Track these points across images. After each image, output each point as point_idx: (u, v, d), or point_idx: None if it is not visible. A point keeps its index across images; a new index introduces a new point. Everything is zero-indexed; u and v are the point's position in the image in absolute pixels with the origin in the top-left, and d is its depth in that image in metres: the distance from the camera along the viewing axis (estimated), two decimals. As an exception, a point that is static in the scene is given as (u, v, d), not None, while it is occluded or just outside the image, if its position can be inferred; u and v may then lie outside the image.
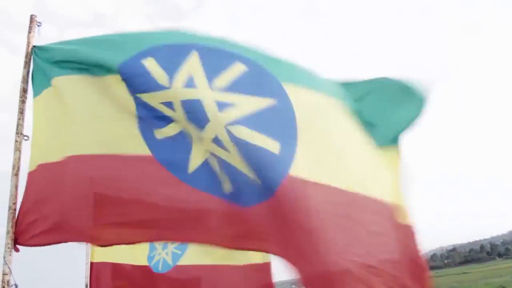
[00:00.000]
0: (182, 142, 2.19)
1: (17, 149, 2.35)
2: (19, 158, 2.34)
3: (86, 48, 2.38)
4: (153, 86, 2.17)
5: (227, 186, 2.14)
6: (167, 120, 2.21)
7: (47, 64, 2.42)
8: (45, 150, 2.39)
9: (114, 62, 2.24)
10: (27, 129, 2.42)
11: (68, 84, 2.36)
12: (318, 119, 2.33)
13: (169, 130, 2.21)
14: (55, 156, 2.35)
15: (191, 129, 2.17)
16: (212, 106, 2.11)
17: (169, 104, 2.17)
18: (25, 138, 2.38)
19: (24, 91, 2.44)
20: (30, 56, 2.46)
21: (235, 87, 2.18)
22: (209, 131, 2.12)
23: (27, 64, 2.47)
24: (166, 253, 4.55)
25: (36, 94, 2.46)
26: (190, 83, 2.16)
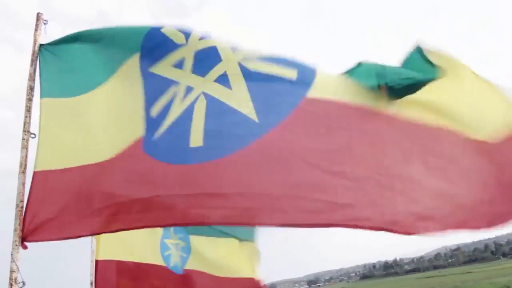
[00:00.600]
0: (164, 110, 2.18)
1: (24, 147, 2.35)
2: (26, 156, 2.35)
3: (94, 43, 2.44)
4: (170, 47, 2.24)
5: (196, 139, 2.05)
6: (166, 86, 2.23)
7: (56, 72, 2.48)
8: (55, 155, 2.42)
9: (137, 39, 2.32)
10: (34, 127, 2.44)
11: (76, 105, 2.45)
12: None
13: (163, 99, 2.23)
14: (65, 163, 2.40)
15: (191, 81, 2.17)
16: (227, 49, 2.20)
17: (179, 64, 2.20)
18: (32, 136, 2.39)
19: (31, 89, 2.44)
20: (37, 54, 2.47)
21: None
22: (217, 70, 2.16)
23: (33, 62, 2.48)
24: (179, 256, 4.60)
25: (45, 95, 2.47)
26: (206, 35, 2.26)
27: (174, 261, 4.61)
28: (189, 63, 2.20)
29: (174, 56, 2.24)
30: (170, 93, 2.20)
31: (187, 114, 2.09)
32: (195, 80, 2.17)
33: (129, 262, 4.58)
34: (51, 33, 2.64)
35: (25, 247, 2.28)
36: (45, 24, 2.55)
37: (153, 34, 2.30)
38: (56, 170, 2.39)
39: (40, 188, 2.35)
